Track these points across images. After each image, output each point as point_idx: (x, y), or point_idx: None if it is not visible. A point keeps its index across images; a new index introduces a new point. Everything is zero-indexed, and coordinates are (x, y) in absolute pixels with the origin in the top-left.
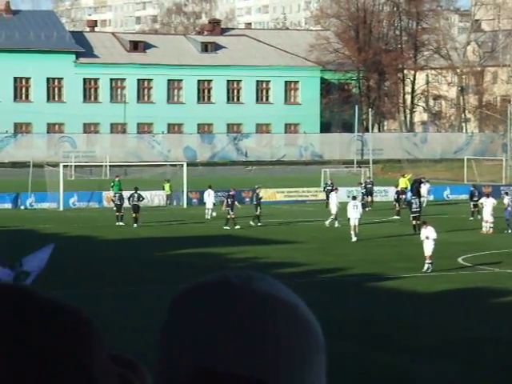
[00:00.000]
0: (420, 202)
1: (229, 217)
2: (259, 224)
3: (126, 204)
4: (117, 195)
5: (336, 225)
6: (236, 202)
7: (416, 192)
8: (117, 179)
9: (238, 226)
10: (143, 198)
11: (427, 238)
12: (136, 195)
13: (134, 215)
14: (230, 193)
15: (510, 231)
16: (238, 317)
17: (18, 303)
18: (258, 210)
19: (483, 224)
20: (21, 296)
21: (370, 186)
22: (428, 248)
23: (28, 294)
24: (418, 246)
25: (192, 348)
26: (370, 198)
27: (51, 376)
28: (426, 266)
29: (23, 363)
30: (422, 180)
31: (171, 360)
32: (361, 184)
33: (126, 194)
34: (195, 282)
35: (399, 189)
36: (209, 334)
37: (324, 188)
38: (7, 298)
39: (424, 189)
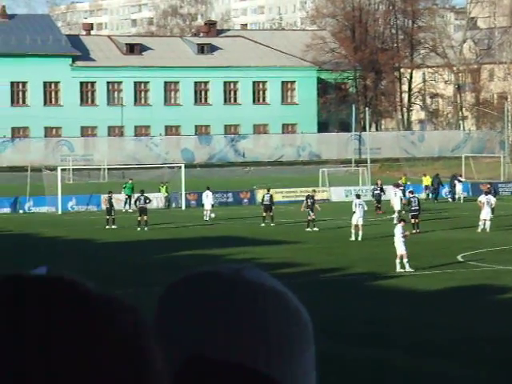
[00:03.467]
0: (419, 201)
1: (309, 218)
2: (272, 224)
3: (117, 207)
4: (108, 198)
5: (395, 221)
6: (316, 204)
7: (452, 187)
8: (129, 182)
9: (316, 228)
10: (150, 201)
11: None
12: (143, 198)
13: (139, 218)
14: (310, 194)
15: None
16: (228, 306)
17: (58, 295)
18: (269, 211)
19: (479, 223)
20: (61, 287)
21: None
22: (401, 246)
23: (70, 285)
24: (418, 244)
25: (183, 338)
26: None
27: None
28: (407, 266)
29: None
30: (459, 177)
31: (164, 351)
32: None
33: (119, 196)
34: (185, 274)
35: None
36: (200, 324)
37: (373, 192)
38: (49, 288)
39: (459, 186)
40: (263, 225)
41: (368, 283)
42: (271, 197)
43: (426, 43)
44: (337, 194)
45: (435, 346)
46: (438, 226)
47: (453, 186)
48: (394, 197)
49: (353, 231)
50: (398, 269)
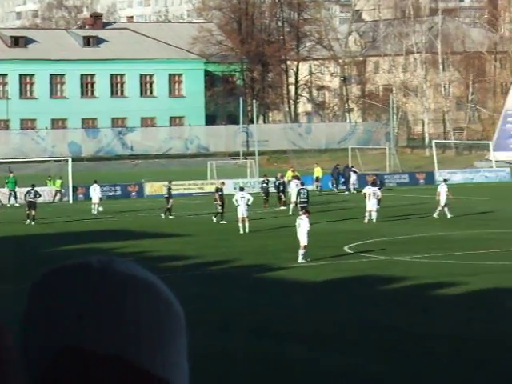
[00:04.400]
0: (308, 192)
1: (218, 211)
2: (170, 216)
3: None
4: None
5: (290, 212)
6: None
7: (347, 179)
8: (11, 176)
9: (224, 222)
10: (40, 195)
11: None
12: (33, 192)
13: (28, 212)
14: (219, 186)
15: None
16: (98, 297)
17: None
18: (170, 203)
19: (366, 214)
20: None
21: (280, 182)
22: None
23: None
24: None
25: (54, 329)
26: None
27: None
28: (300, 257)
29: None
30: (354, 168)
31: (33, 343)
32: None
33: (4, 190)
34: (55, 266)
35: (282, 180)
36: (71, 315)
37: (275, 183)
38: None
39: (353, 177)
40: (163, 216)
41: (256, 275)
42: (168, 189)
43: (311, 36)
44: (225, 186)
45: (322, 336)
46: (325, 217)
47: (347, 177)
48: (294, 188)
49: (240, 224)
50: (300, 260)
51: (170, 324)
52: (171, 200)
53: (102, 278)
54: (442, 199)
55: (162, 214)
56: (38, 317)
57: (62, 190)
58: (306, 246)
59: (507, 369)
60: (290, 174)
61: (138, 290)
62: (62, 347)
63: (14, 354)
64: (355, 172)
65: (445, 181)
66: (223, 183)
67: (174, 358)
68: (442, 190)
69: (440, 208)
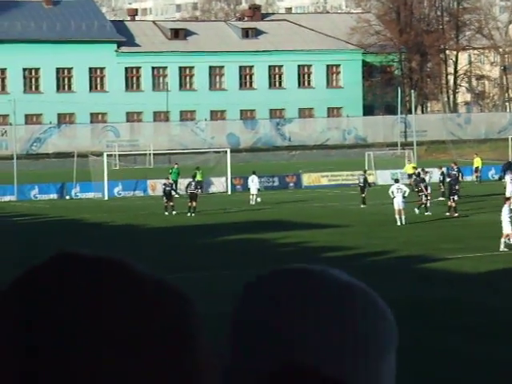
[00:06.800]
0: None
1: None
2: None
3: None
4: (166, 184)
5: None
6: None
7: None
8: (175, 166)
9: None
10: (201, 187)
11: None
12: (193, 183)
13: (190, 204)
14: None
15: None
16: (319, 302)
17: (114, 279)
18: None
19: None
20: (117, 270)
21: (454, 172)
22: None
23: (127, 269)
24: (461, 227)
25: (270, 340)
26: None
27: (157, 363)
28: (502, 245)
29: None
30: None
31: (246, 354)
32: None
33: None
34: (271, 269)
35: (443, 170)
36: (289, 325)
37: (416, 177)
38: (106, 270)
39: None
40: (362, 206)
41: (415, 266)
42: (364, 178)
43: (471, 25)
44: (383, 177)
45: (487, 328)
46: (485, 208)
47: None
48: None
49: (397, 217)
50: (502, 248)
51: (385, 339)
52: (366, 189)
53: (321, 284)
54: None
55: (361, 205)
56: (252, 325)
57: (202, 182)
58: (508, 234)
59: None
60: (409, 167)
61: (357, 297)
62: (283, 363)
63: (201, 333)
64: None
65: None
66: (365, 171)
67: (387, 375)
68: None
69: None
